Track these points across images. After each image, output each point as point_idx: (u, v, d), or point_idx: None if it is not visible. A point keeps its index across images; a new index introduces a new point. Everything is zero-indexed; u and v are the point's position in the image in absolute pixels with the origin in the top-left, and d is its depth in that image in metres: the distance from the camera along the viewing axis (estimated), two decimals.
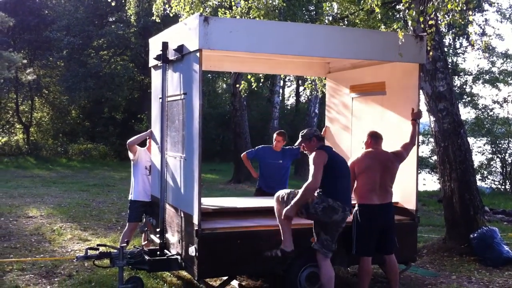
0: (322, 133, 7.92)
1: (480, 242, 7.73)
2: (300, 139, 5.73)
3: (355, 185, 5.92)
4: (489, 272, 7.34)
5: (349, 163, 5.92)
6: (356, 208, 5.91)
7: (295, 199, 5.38)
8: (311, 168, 5.39)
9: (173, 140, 6.32)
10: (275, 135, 7.81)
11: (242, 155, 7.94)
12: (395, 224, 6.01)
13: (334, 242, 5.52)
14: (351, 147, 7.43)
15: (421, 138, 19.52)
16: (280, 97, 30.63)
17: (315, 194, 5.43)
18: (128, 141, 7.15)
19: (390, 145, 6.26)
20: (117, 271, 6.03)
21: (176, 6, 10.11)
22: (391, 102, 6.78)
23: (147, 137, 7.31)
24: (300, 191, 5.37)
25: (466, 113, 24.47)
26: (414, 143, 6.15)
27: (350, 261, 6.22)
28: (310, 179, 5.32)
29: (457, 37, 24.98)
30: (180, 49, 5.82)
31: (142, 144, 7.38)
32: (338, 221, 5.46)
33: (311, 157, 5.49)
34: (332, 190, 5.44)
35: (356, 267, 6.34)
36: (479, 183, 17.72)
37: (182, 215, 5.89)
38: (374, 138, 6.04)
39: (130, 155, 7.22)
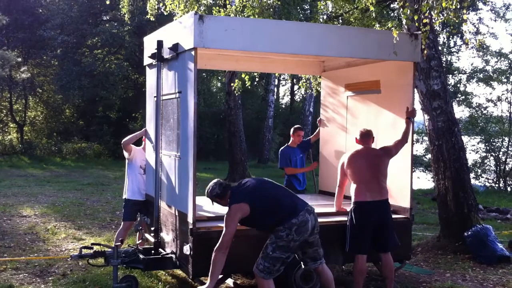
0: (318, 123, 8.22)
1: (474, 240, 7.75)
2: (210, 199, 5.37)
3: (350, 183, 5.98)
4: (483, 269, 7.37)
5: (339, 163, 6.12)
6: (351, 206, 5.95)
7: (210, 274, 5.03)
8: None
9: (168, 139, 6.31)
10: (295, 130, 8.16)
11: (285, 170, 8.08)
12: (392, 222, 6.02)
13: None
14: (346, 145, 7.44)
15: (415, 136, 19.56)
16: (275, 96, 30.65)
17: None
18: (123, 140, 7.14)
19: (384, 143, 6.30)
20: (111, 270, 6.02)
21: (170, 4, 10.10)
22: (386, 101, 6.79)
23: (142, 136, 7.31)
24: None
25: (460, 112, 24.59)
26: (406, 140, 6.17)
27: (345, 259, 6.23)
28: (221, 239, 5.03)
29: (451, 36, 25.05)
30: (175, 47, 5.81)
31: (138, 143, 7.37)
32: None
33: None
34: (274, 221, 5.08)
35: (351, 265, 6.35)
36: (473, 181, 17.76)
37: (177, 213, 5.88)
38: (363, 137, 6.13)
39: (125, 154, 7.21)
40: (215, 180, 5.33)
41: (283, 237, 5.02)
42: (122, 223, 7.33)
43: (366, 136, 6.14)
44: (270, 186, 5.35)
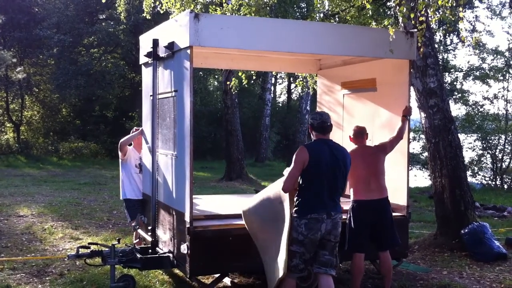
0: None
1: (471, 238, 7.77)
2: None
3: (350, 183, 5.98)
4: (480, 267, 7.38)
5: None
6: (350, 204, 5.95)
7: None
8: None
9: (165, 138, 6.30)
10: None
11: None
12: (393, 220, 6.01)
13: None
14: (343, 143, 7.41)
15: (412, 134, 19.61)
16: (272, 94, 30.65)
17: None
18: (121, 140, 7.13)
19: (380, 141, 6.29)
20: (108, 269, 6.01)
21: (166, 3, 10.09)
22: (382, 99, 6.80)
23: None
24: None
25: (457, 110, 24.64)
26: (401, 137, 6.15)
27: (342, 257, 6.23)
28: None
29: (447, 34, 25.08)
30: (171, 46, 5.81)
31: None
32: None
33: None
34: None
35: (349, 263, 6.36)
36: (469, 179, 17.81)
37: (174, 213, 5.88)
38: (356, 134, 6.09)
39: (120, 154, 7.21)
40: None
41: (296, 228, 4.89)
42: (131, 224, 7.25)
43: (360, 134, 6.10)
44: (332, 165, 4.97)
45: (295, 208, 4.96)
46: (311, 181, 4.92)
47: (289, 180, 4.93)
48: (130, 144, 7.37)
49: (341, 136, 7.56)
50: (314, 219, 4.87)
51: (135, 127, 7.77)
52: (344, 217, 6.04)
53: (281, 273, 4.90)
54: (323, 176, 4.91)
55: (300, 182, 4.97)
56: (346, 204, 6.26)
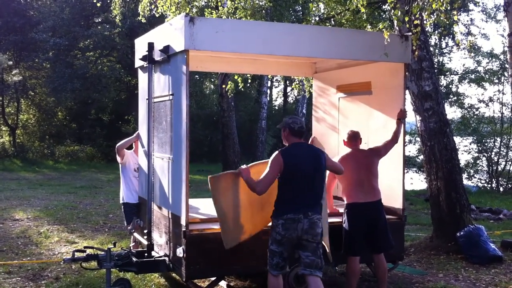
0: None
1: (467, 240, 7.78)
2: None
3: (344, 186, 6.01)
4: (476, 270, 7.40)
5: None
6: (344, 208, 5.97)
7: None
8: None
9: (161, 141, 6.30)
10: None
11: None
12: (386, 223, 6.03)
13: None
14: (338, 147, 7.45)
15: (407, 137, 19.64)
16: (268, 98, 30.64)
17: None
18: (117, 144, 7.13)
19: (375, 144, 6.33)
20: (104, 273, 6.00)
21: (162, 6, 10.09)
22: (377, 102, 6.82)
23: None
24: None
25: (452, 112, 24.74)
26: (396, 140, 6.18)
27: (338, 260, 6.24)
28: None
29: (443, 37, 25.15)
30: (166, 49, 5.81)
31: (129, 146, 7.37)
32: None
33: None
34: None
35: (344, 266, 6.36)
36: (465, 181, 17.86)
37: (170, 216, 5.88)
38: (350, 138, 6.15)
39: (118, 158, 7.21)
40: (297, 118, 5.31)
41: (275, 228, 5.05)
42: (128, 227, 7.26)
43: (354, 138, 6.16)
44: (311, 168, 5.09)
45: (273, 209, 5.12)
46: (288, 183, 5.06)
47: (264, 184, 5.05)
48: (131, 148, 7.36)
49: (337, 139, 7.58)
50: (290, 219, 4.97)
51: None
52: (338, 220, 6.09)
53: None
54: (300, 179, 5.04)
55: (278, 185, 5.11)
56: (340, 207, 6.29)
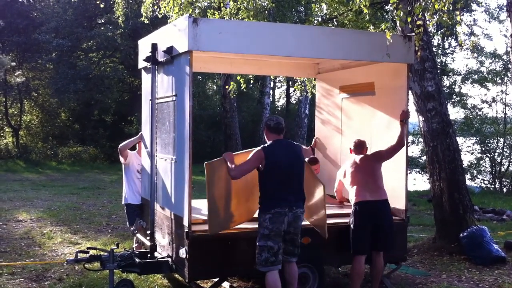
0: (312, 144, 8.00)
1: (470, 241, 7.77)
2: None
3: (351, 188, 6.15)
4: (479, 271, 7.38)
5: (338, 174, 6.55)
6: (352, 208, 5.99)
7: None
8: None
9: (164, 142, 6.30)
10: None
11: None
12: (392, 224, 6.05)
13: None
14: (341, 147, 7.45)
15: (410, 138, 19.62)
16: (271, 98, 30.61)
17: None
18: (120, 145, 7.14)
19: (379, 145, 6.34)
20: (107, 274, 6.00)
21: (165, 7, 10.10)
22: (380, 102, 6.81)
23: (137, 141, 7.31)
24: None
25: (455, 113, 24.65)
26: (402, 144, 6.14)
27: (341, 261, 6.23)
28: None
29: (445, 37, 25.11)
30: (170, 50, 5.82)
31: (132, 147, 7.37)
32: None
33: None
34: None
35: (348, 267, 6.36)
36: (468, 182, 17.83)
37: (173, 217, 5.88)
38: (357, 147, 6.40)
39: (121, 159, 7.21)
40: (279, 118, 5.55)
41: (262, 223, 5.20)
42: (131, 228, 7.26)
43: (360, 147, 6.37)
44: (291, 163, 5.33)
45: (259, 206, 5.29)
46: (272, 179, 5.27)
47: (239, 171, 5.30)
48: (134, 149, 7.37)
49: (340, 139, 7.58)
50: (277, 213, 5.17)
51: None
52: (344, 221, 6.10)
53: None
54: (282, 174, 5.26)
55: (262, 181, 5.33)
56: (348, 208, 6.29)
